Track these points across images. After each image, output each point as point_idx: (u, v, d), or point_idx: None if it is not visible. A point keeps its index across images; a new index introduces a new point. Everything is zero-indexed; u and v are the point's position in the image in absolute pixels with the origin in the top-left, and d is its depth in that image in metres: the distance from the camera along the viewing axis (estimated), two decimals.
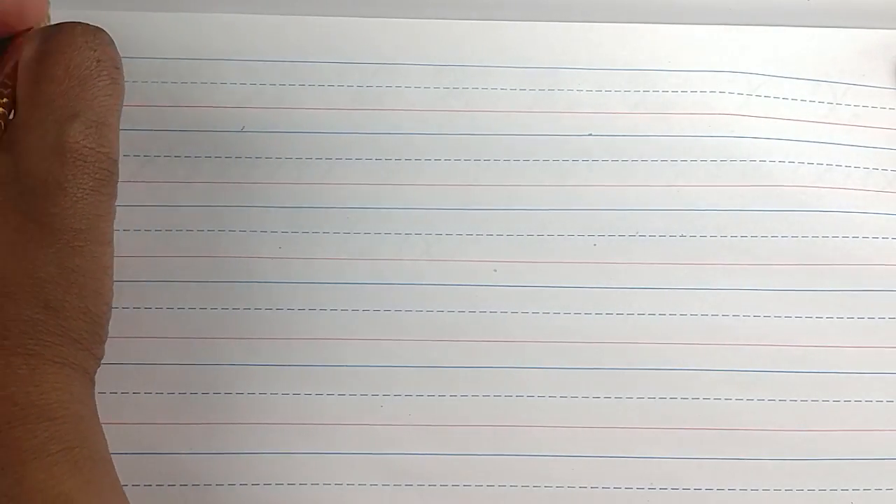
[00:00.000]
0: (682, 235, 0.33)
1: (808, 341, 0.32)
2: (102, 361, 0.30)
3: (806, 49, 0.36)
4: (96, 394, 0.27)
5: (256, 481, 0.29)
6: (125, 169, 0.32)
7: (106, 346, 0.27)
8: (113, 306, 0.30)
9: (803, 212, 0.33)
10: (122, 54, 0.28)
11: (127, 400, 0.30)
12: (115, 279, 0.31)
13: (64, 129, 0.26)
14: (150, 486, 0.29)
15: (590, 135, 0.34)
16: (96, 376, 0.27)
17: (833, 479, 0.31)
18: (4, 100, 0.27)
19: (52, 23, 0.29)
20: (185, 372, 0.30)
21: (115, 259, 0.31)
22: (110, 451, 0.26)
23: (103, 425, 0.29)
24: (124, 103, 0.32)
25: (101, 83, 0.27)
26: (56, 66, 0.26)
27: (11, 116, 0.27)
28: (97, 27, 0.28)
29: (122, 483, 0.29)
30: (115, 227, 0.31)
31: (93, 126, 0.26)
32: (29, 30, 0.28)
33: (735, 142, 0.34)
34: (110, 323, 0.28)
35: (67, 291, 0.25)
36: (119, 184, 0.32)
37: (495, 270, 0.32)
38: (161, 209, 0.32)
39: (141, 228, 0.32)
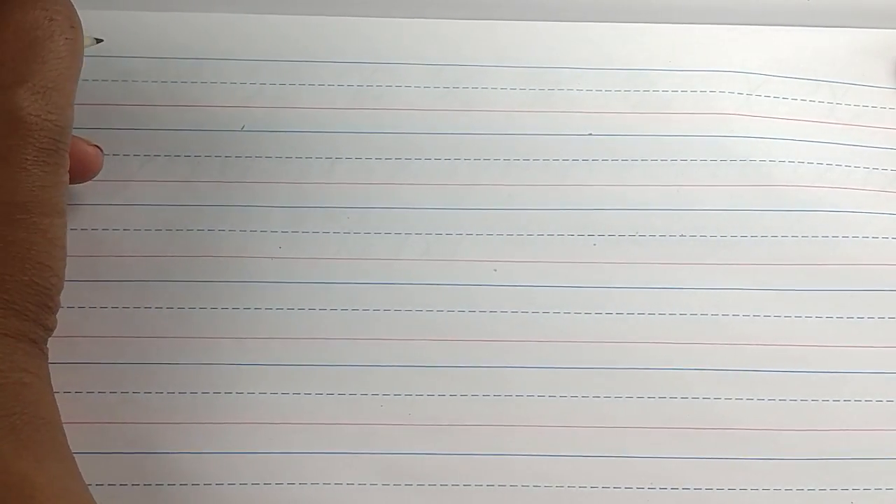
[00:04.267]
0: (682, 235, 0.33)
1: (808, 341, 0.32)
2: (102, 361, 0.30)
3: (806, 49, 0.36)
4: (96, 394, 0.27)
5: (256, 481, 0.29)
6: (125, 168, 0.32)
7: (105, 346, 0.27)
8: (113, 306, 0.31)
9: (803, 212, 0.33)
10: (122, 54, 0.28)
11: (127, 399, 0.30)
12: (114, 279, 0.31)
13: (8, 95, 0.24)
14: (150, 485, 0.29)
15: (590, 134, 0.34)
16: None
17: (833, 479, 0.30)
18: None
19: None
20: (185, 372, 0.30)
21: (114, 258, 0.31)
22: (110, 450, 0.26)
23: (104, 425, 0.29)
24: (125, 103, 0.32)
25: (54, 45, 0.25)
26: (3, 27, 0.25)
27: None
28: None
29: (122, 483, 0.29)
30: (114, 226, 0.32)
31: (40, 92, 0.25)
32: None
33: (735, 142, 0.34)
34: (111, 322, 0.28)
35: (8, 265, 0.24)
36: (119, 183, 0.32)
37: (495, 270, 0.32)
38: (161, 209, 0.32)
39: (141, 228, 0.32)
